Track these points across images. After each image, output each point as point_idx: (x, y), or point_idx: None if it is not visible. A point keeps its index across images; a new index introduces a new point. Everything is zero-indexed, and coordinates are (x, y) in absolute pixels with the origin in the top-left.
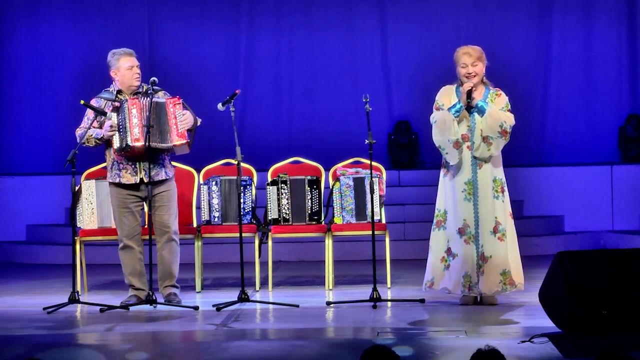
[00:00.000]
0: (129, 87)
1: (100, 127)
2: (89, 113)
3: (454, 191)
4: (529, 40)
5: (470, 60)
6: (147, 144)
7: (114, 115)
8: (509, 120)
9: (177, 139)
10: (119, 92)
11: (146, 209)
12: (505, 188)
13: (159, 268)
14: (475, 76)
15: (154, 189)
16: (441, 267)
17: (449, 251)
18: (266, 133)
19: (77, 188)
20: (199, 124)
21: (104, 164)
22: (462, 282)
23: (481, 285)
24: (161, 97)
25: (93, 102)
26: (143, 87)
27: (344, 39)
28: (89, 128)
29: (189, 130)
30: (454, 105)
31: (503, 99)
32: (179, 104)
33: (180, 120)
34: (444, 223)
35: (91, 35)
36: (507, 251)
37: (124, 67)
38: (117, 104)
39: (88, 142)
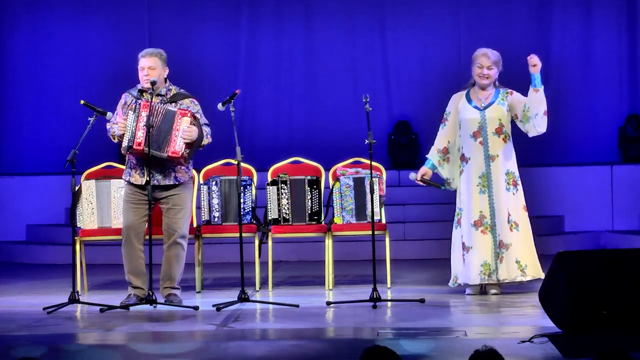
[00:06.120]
0: (144, 87)
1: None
2: (118, 108)
3: (469, 186)
4: (529, 40)
5: (487, 62)
6: (147, 148)
7: (131, 114)
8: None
9: (171, 152)
10: (141, 91)
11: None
12: (519, 182)
13: (162, 268)
14: (487, 78)
15: (164, 192)
16: (461, 262)
17: (463, 246)
18: (266, 133)
19: (77, 188)
20: (206, 142)
21: (104, 164)
22: (482, 271)
23: (500, 273)
24: (185, 103)
25: (123, 97)
26: (172, 90)
27: (344, 39)
28: (116, 123)
29: (189, 144)
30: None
31: (518, 94)
32: (188, 117)
33: (183, 133)
34: (462, 221)
35: (91, 35)
36: (518, 242)
37: (139, 68)
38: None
39: (113, 138)
